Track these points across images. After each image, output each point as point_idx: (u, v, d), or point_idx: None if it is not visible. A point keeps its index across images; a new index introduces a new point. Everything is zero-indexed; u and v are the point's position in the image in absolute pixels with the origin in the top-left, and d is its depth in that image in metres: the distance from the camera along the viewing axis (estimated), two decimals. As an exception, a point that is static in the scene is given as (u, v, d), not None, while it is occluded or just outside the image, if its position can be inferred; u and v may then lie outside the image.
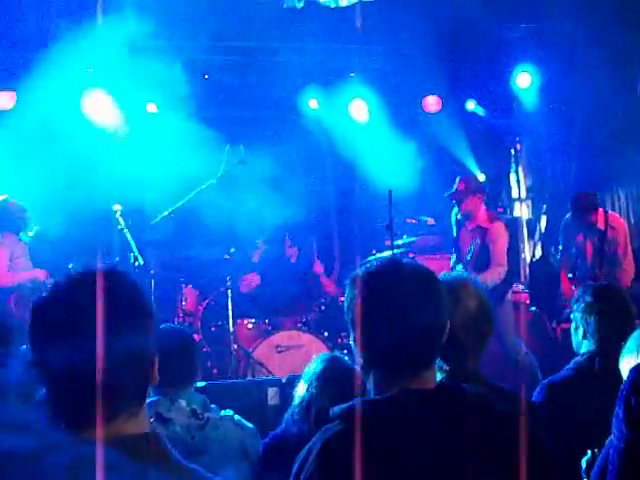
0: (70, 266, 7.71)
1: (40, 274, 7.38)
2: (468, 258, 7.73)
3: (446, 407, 1.99)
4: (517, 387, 2.80)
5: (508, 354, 7.33)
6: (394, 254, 7.52)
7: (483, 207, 7.79)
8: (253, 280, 8.82)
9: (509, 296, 7.80)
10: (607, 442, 2.78)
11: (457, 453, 1.92)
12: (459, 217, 7.89)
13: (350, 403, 2.01)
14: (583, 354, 3.75)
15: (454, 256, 8.08)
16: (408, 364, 2.04)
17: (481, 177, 10.38)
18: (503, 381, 2.87)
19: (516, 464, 1.91)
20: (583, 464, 2.93)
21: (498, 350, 7.17)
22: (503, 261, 7.58)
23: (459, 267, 7.86)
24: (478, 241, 7.66)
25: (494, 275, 7.46)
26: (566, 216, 8.30)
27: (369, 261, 2.37)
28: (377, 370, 2.07)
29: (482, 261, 7.59)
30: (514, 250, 7.95)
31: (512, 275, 7.84)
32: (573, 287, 8.05)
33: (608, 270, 7.88)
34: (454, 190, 7.77)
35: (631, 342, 3.02)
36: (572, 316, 3.86)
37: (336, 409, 2.03)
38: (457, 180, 7.83)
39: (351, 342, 2.12)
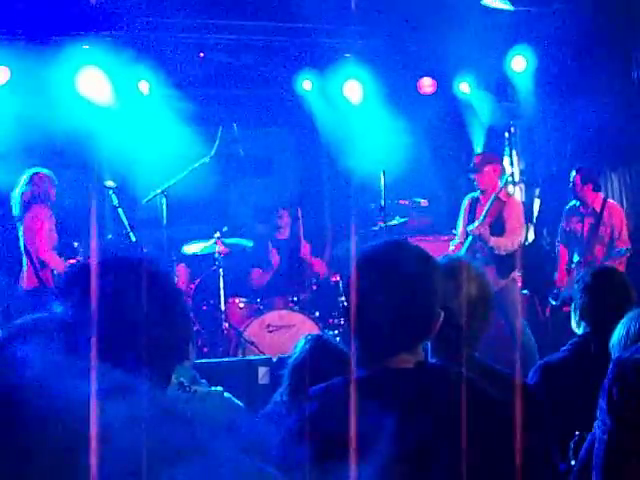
0: (76, 245, 7.72)
1: None
2: (481, 219, 7.61)
3: (423, 386, 1.99)
4: (517, 369, 2.79)
5: (512, 335, 7.29)
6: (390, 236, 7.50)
7: (500, 182, 7.81)
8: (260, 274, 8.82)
9: (517, 277, 7.75)
10: (595, 425, 2.78)
11: (432, 434, 1.92)
12: (476, 195, 7.85)
13: (327, 382, 2.02)
14: (580, 335, 3.74)
15: (456, 239, 8.05)
16: (388, 344, 2.04)
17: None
18: (505, 363, 2.85)
19: (496, 446, 1.90)
20: (571, 446, 2.93)
21: (503, 331, 7.24)
22: (519, 231, 7.66)
23: (458, 229, 7.87)
24: (490, 208, 7.61)
25: (509, 241, 7.49)
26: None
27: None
28: (360, 348, 2.07)
29: (494, 230, 7.54)
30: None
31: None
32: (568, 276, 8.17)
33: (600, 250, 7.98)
34: (470, 166, 7.87)
35: (621, 325, 3.01)
36: (572, 296, 3.84)
37: (313, 389, 2.03)
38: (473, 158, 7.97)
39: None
